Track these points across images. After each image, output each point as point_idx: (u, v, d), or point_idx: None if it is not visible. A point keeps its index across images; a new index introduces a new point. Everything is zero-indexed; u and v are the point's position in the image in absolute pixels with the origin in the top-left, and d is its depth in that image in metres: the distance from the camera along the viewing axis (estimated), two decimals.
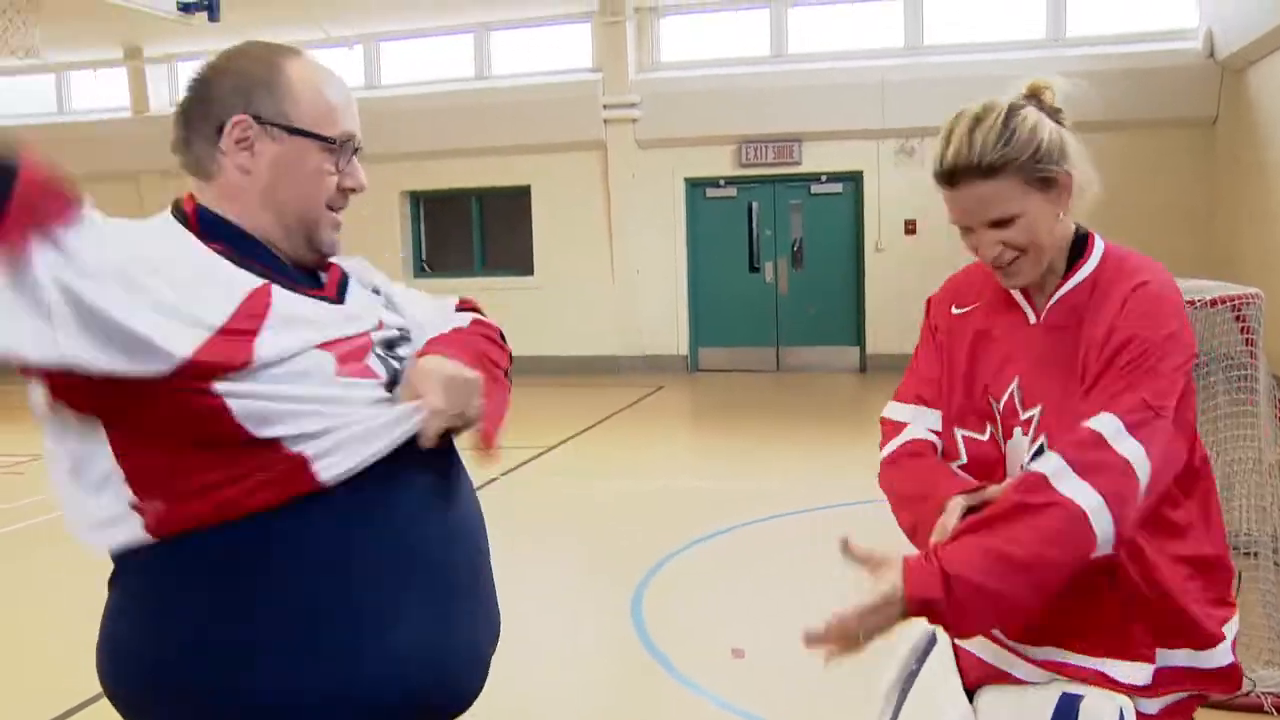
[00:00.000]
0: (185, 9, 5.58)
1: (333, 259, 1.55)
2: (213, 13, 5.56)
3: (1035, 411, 1.68)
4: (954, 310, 1.84)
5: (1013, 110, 1.66)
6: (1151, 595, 1.63)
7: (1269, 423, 4.08)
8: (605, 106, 12.30)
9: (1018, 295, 1.75)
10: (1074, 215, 1.73)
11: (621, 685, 4.03)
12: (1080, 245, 1.73)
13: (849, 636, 1.56)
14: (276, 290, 1.37)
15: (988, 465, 1.73)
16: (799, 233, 12.50)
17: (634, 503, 6.60)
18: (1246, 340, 4.09)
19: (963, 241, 1.74)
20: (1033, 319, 1.74)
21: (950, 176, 1.67)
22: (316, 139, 1.43)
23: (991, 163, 1.62)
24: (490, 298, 12.99)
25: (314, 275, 1.51)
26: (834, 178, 12.26)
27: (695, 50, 12.52)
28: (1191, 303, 3.75)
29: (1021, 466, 1.67)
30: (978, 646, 1.79)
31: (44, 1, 5.40)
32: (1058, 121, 1.69)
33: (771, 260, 12.58)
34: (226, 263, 1.38)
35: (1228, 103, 10.79)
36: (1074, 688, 1.66)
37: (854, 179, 12.18)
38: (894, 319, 11.90)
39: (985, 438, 1.75)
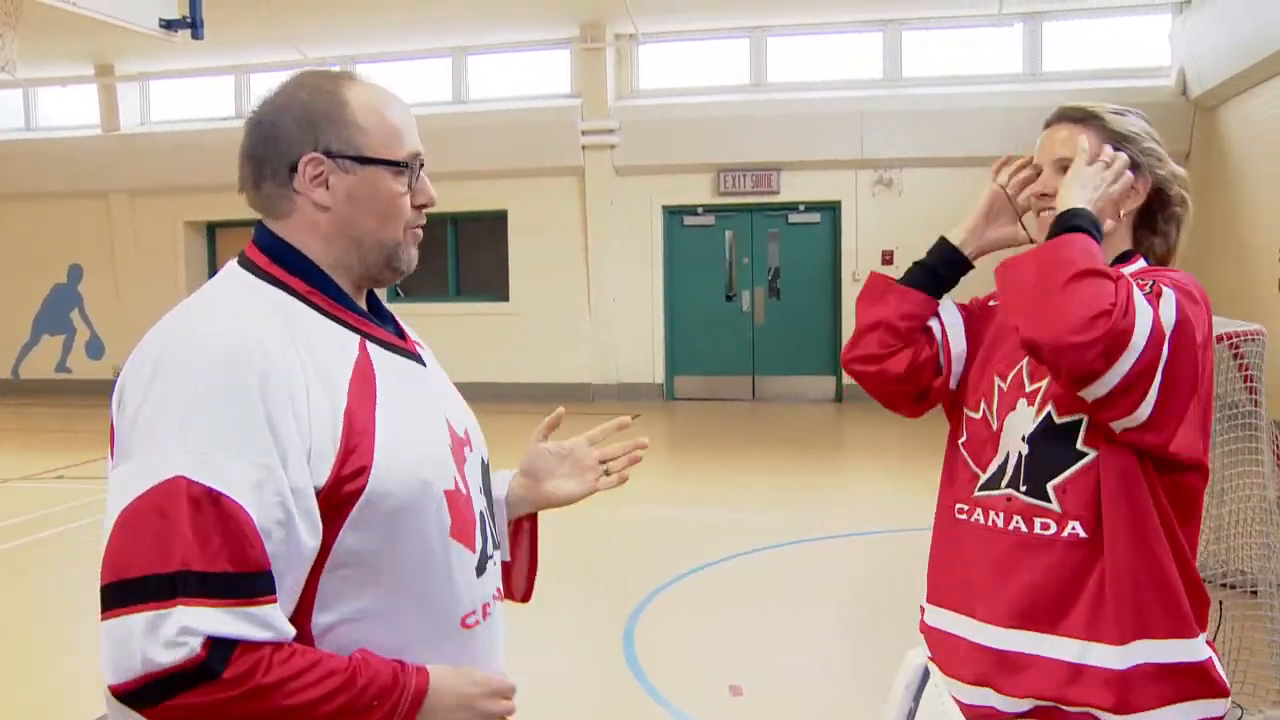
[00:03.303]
0: (168, 26, 5.46)
1: None
2: (197, 30, 5.45)
3: (1043, 383, 1.73)
4: (991, 303, 1.94)
5: (1140, 115, 1.84)
6: (1147, 573, 1.65)
7: (1269, 460, 4.06)
8: (584, 132, 12.26)
9: None
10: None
11: None
12: (1124, 259, 1.81)
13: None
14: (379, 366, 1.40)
15: (980, 441, 1.81)
16: (776, 262, 12.50)
17: (617, 533, 6.50)
18: (1245, 377, 4.08)
19: (1031, 193, 1.86)
20: None
21: (1051, 119, 1.86)
22: (387, 165, 1.40)
23: (1089, 111, 1.81)
24: (464, 323, 13.00)
25: (380, 312, 1.50)
26: (812, 207, 12.28)
27: (674, 78, 12.53)
28: None
29: (1023, 438, 1.73)
30: (960, 693, 1.78)
31: (21, 17, 5.28)
32: (1183, 193, 1.84)
33: (748, 289, 12.56)
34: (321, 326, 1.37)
35: (1200, 139, 10.92)
36: None
37: (832, 209, 12.21)
38: None
39: (978, 416, 1.82)
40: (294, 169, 1.37)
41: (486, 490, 1.55)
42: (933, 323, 1.92)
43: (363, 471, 1.28)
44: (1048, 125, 1.85)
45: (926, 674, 1.92)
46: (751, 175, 12.19)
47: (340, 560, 1.29)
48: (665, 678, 4.14)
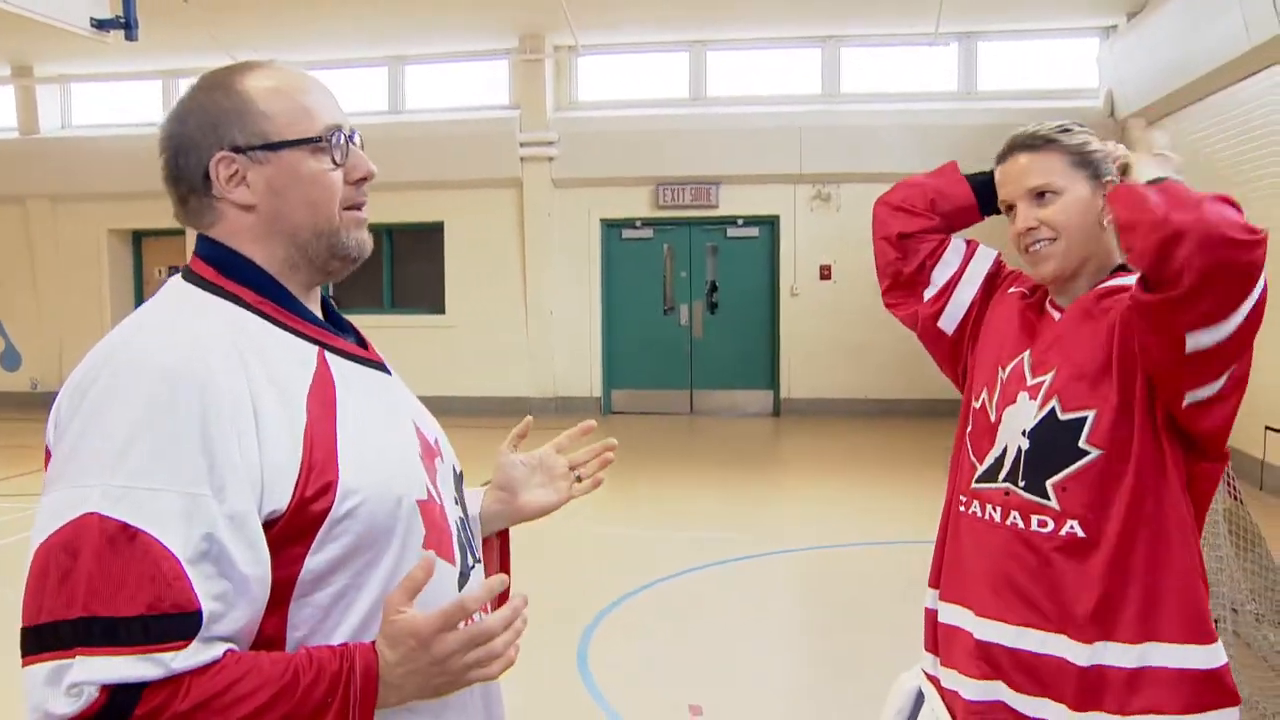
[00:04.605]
0: (100, 26, 5.25)
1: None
2: (130, 31, 5.25)
3: (1046, 377, 1.72)
4: (1010, 289, 1.93)
5: (1078, 124, 1.82)
6: (1173, 577, 1.63)
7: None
8: (522, 144, 12.15)
9: (1049, 308, 1.83)
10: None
11: None
12: (1122, 270, 1.79)
13: None
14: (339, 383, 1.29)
15: (979, 432, 1.81)
16: (714, 275, 12.51)
17: (562, 551, 6.40)
18: None
19: (1009, 232, 1.83)
20: (1058, 318, 1.80)
21: (1004, 154, 1.82)
22: (301, 144, 1.29)
23: (1042, 137, 1.78)
24: (399, 336, 12.78)
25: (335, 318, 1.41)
26: (750, 221, 12.32)
27: (614, 91, 12.49)
28: None
29: (1022, 432, 1.71)
30: (964, 688, 1.76)
31: None
32: None
33: (686, 303, 12.55)
34: (278, 338, 1.27)
35: None
36: None
37: (770, 223, 12.25)
38: (808, 363, 11.98)
39: (979, 406, 1.82)
40: (208, 176, 1.28)
41: (461, 501, 1.46)
42: (956, 254, 1.96)
43: (328, 489, 1.20)
44: (1001, 160, 1.83)
45: (920, 698, 1.88)
46: (690, 189, 12.19)
47: (309, 587, 1.20)
48: (624, 700, 4.06)
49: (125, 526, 1.08)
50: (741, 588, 5.71)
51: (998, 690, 1.72)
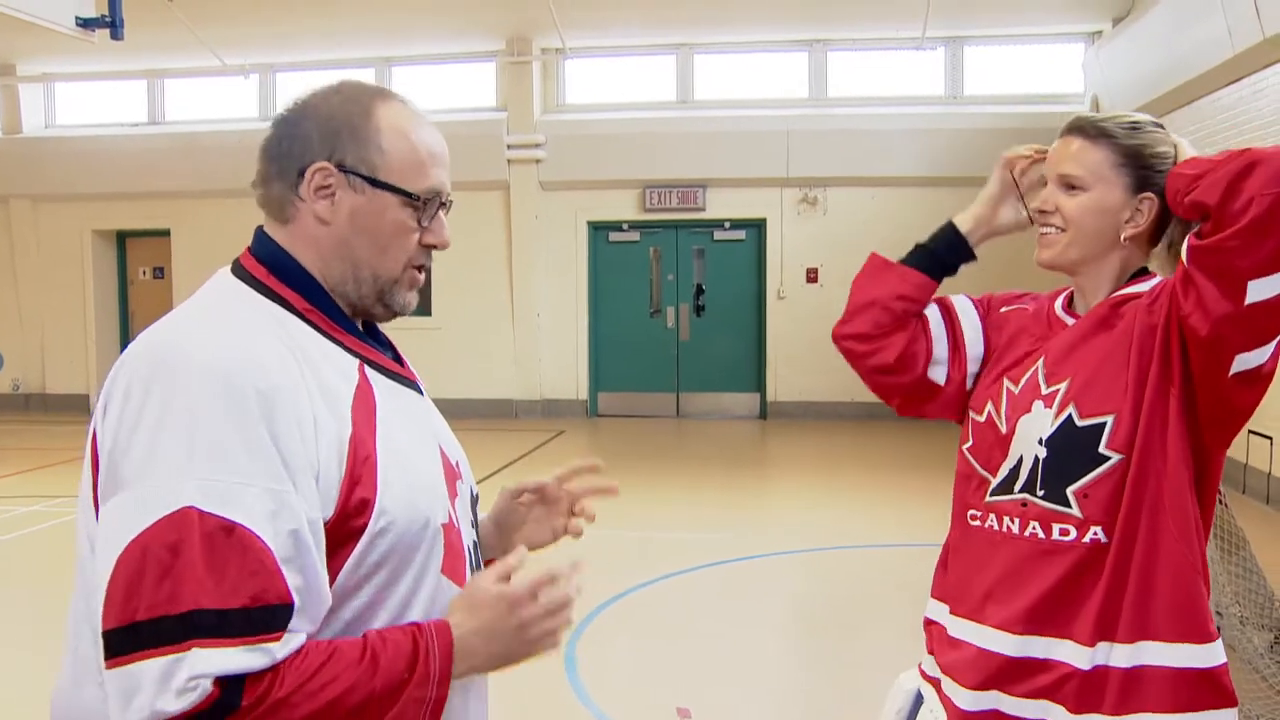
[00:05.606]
0: (85, 25, 5.22)
1: None
2: (116, 30, 5.22)
3: (1062, 385, 1.69)
4: (1002, 309, 1.90)
5: (1157, 125, 1.75)
6: (1178, 577, 1.62)
7: None
8: (509, 146, 12.15)
9: (1060, 313, 1.81)
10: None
11: None
12: (1139, 276, 1.77)
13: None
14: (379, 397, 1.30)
15: (988, 445, 1.77)
16: (701, 278, 12.52)
17: (548, 554, 6.40)
18: None
19: (1033, 209, 1.82)
20: (1071, 324, 1.77)
21: (1065, 129, 1.77)
22: (399, 193, 1.31)
23: (1099, 127, 1.72)
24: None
25: (376, 333, 1.43)
26: (737, 224, 12.34)
27: (601, 93, 12.49)
28: None
29: (1039, 441, 1.68)
30: (960, 697, 1.74)
31: None
32: None
33: (673, 305, 12.56)
34: (325, 349, 1.28)
35: None
36: None
37: (757, 226, 12.27)
38: (795, 366, 12.00)
39: (983, 419, 1.79)
40: (303, 174, 1.30)
41: (475, 524, 1.49)
42: (939, 325, 1.88)
43: (366, 506, 1.21)
44: (1063, 134, 1.78)
45: (919, 699, 1.87)
46: (677, 192, 12.20)
47: (336, 600, 1.21)
48: (611, 702, 4.05)
49: (224, 521, 1.09)
50: (729, 590, 5.71)
51: (997, 700, 1.70)
